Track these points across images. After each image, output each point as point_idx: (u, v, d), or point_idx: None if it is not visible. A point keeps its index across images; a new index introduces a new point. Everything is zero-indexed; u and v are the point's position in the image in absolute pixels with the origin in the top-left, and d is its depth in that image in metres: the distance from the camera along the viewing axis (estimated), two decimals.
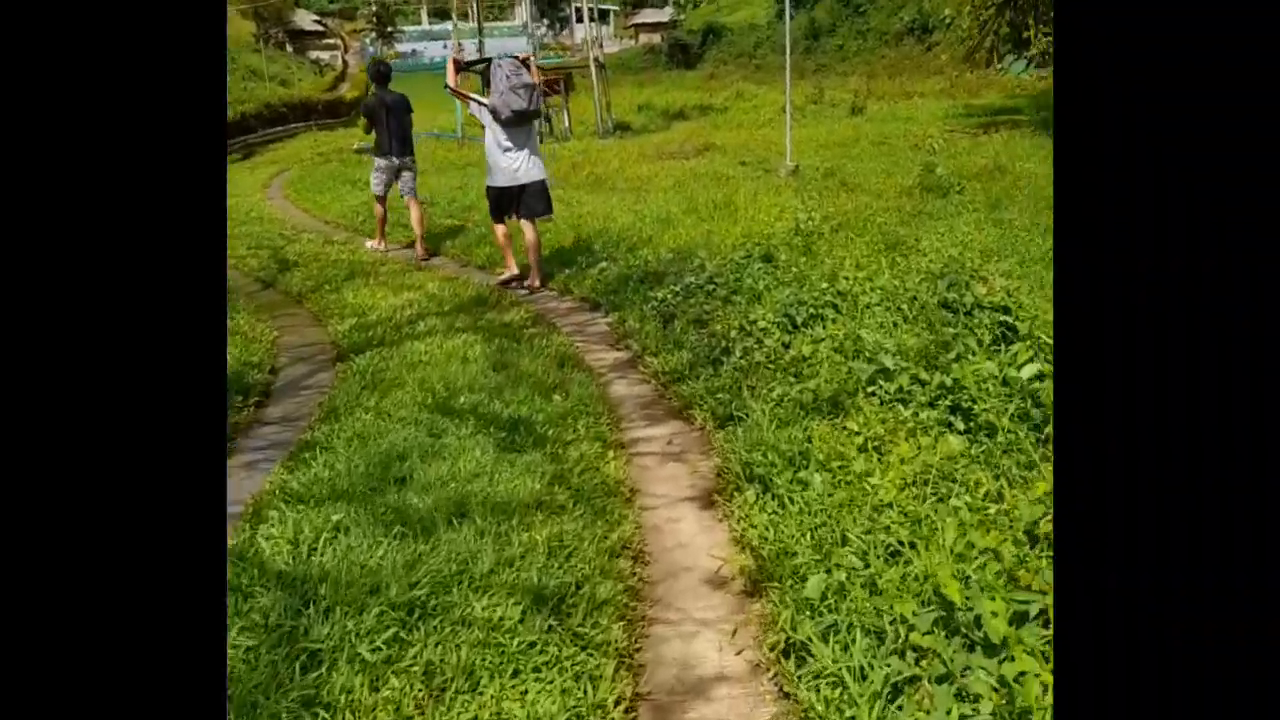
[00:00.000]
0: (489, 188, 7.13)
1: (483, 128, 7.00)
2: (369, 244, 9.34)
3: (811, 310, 4.87)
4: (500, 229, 7.26)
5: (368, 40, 75.06)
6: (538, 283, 7.12)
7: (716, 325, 5.19)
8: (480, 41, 25.75)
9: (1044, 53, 16.62)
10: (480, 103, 6.95)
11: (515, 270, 7.29)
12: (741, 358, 4.64)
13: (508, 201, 7.04)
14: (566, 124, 24.17)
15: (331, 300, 6.58)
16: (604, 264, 7.26)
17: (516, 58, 6.86)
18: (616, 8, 77.83)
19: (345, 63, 68.62)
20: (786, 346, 4.69)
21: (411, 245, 9.02)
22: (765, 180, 12.18)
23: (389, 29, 75.02)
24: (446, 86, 7.48)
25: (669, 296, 5.95)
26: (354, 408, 4.18)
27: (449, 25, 57.96)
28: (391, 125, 8.84)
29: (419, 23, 73.98)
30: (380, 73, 9.10)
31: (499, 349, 5.19)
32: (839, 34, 47.04)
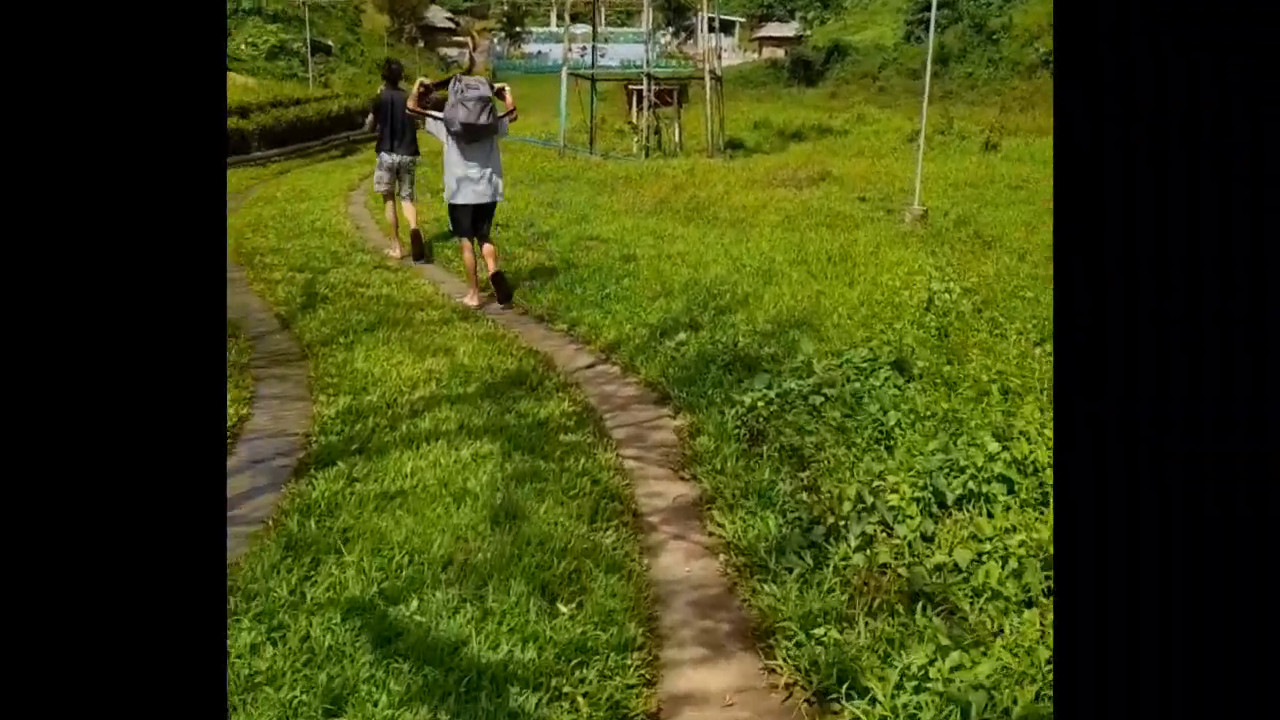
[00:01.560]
0: (455, 206, 6.86)
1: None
2: (388, 252, 9.03)
3: (970, 484, 3.17)
4: (469, 250, 7.03)
5: (495, 40, 75.32)
6: (494, 272, 7.02)
7: (823, 479, 3.54)
8: (593, 47, 24.46)
9: None
10: (435, 117, 6.86)
11: (478, 299, 7.07)
12: (858, 550, 3.00)
13: (480, 219, 6.92)
14: (677, 138, 22.64)
15: (336, 362, 5.17)
16: (683, 335, 5.69)
17: (492, 85, 6.82)
18: (742, 19, 75.94)
19: (472, 60, 68.80)
20: (929, 541, 3.03)
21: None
22: (887, 226, 10.38)
23: (517, 29, 75.14)
24: (407, 109, 7.65)
25: (760, 404, 4.34)
26: (243, 611, 2.67)
27: (574, 29, 57.27)
28: (394, 123, 8.87)
29: (548, 25, 73.68)
30: (390, 72, 9.31)
31: (516, 473, 3.67)
32: (969, 61, 44.14)
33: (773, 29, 73.31)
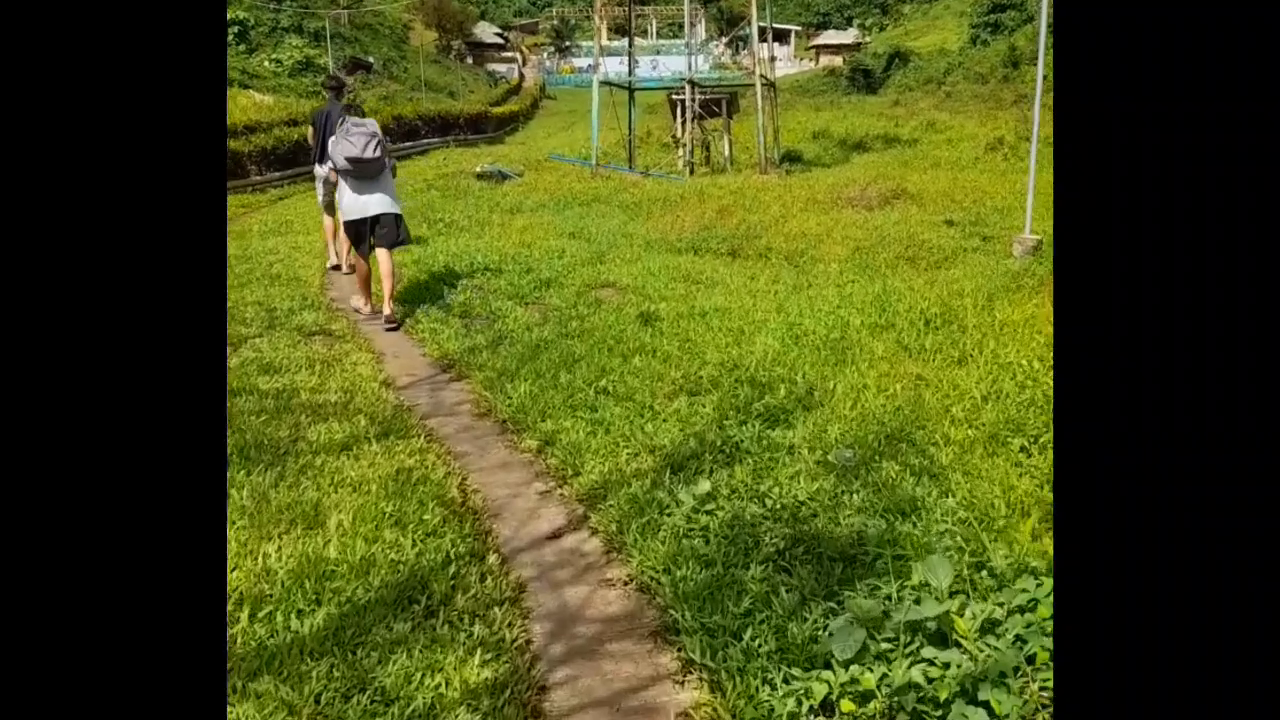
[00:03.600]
0: (345, 223, 6.97)
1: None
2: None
3: None
4: (363, 264, 7.07)
5: (545, 55, 73.95)
6: (389, 310, 6.72)
7: None
8: (629, 55, 22.31)
9: None
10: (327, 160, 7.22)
11: (369, 308, 7.07)
12: None
13: (366, 231, 6.89)
14: (727, 152, 20.33)
15: None
16: (707, 483, 3.43)
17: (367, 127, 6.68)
18: (798, 28, 73.30)
19: (521, 75, 67.47)
20: None
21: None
22: (991, 261, 7.97)
23: (566, 44, 73.71)
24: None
25: (848, 686, 2.10)
26: None
27: (623, 42, 55.44)
28: (327, 136, 8.18)
29: (600, 39, 72.08)
30: (333, 84, 9.05)
31: None
32: (1045, 63, 40.93)
33: (829, 36, 70.64)
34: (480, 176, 16.59)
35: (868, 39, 70.94)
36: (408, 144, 23.27)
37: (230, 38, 31.58)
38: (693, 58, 20.45)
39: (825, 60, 64.92)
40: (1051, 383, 4.18)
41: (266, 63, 32.89)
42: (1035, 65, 44.09)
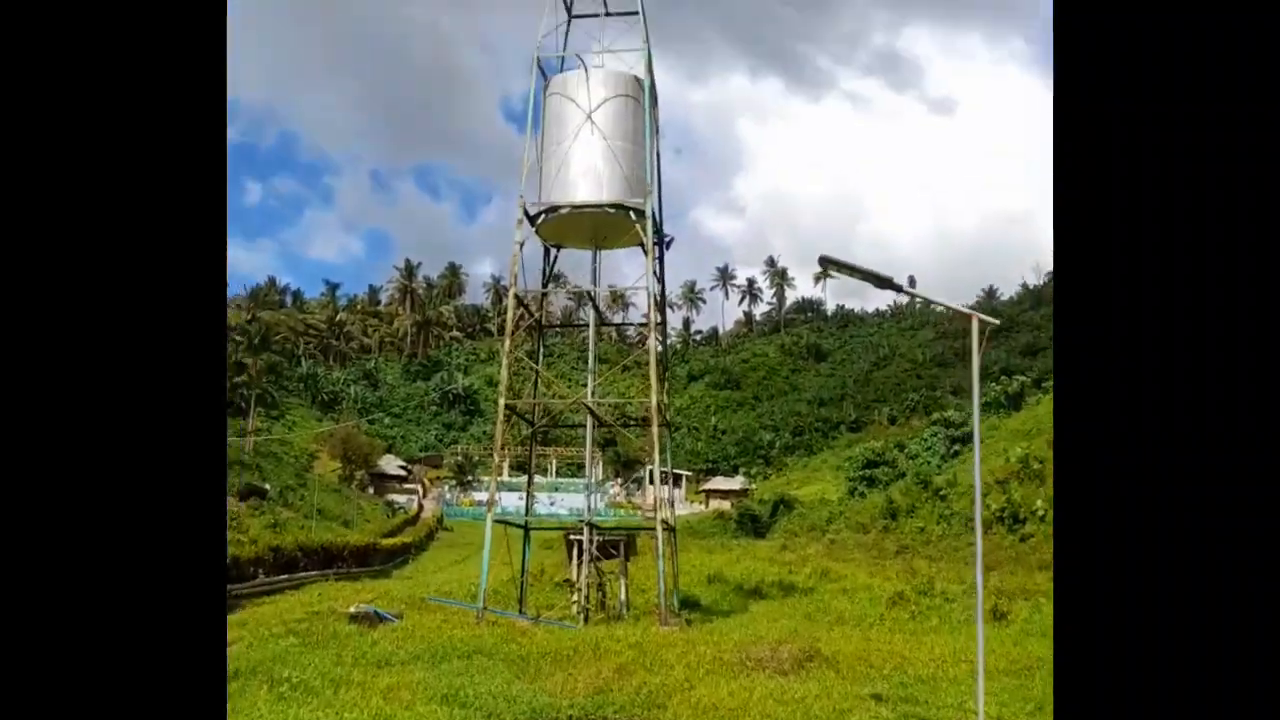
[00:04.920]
0: None
1: None
2: None
3: None
4: None
5: (447, 487, 74.74)
6: None
7: None
8: (528, 492, 21.96)
9: None
10: None
11: None
12: None
13: None
14: (623, 596, 19.16)
15: None
16: None
17: None
18: (689, 473, 77.00)
19: (421, 506, 67.24)
20: None
21: None
22: None
23: (469, 478, 75.03)
24: None
25: None
26: None
27: (523, 478, 56.62)
28: None
29: (500, 474, 73.78)
30: None
31: None
32: (919, 515, 42.89)
33: (719, 482, 74.18)
34: (353, 619, 14.78)
35: (753, 485, 74.62)
36: (283, 577, 21.39)
37: None
38: (591, 497, 20.11)
39: (715, 504, 67.30)
40: None
41: None
42: (911, 517, 45.42)
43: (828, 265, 7.37)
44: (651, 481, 69.67)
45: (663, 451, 17.30)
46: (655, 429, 16.21)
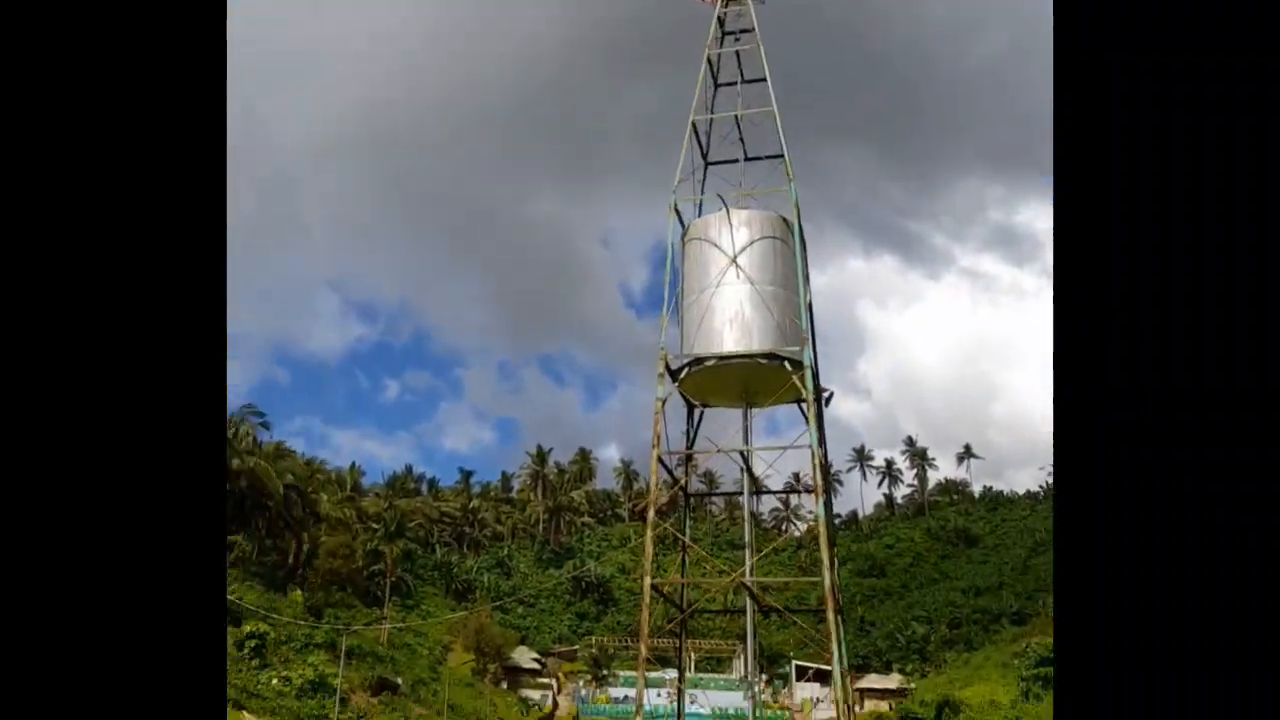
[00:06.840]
0: None
1: None
2: None
3: None
4: None
5: (581, 683, 70.23)
6: None
7: None
8: (679, 690, 18.84)
9: None
10: None
11: None
12: None
13: None
14: None
15: None
16: None
17: None
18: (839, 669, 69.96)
19: (555, 704, 63.02)
20: None
21: None
22: None
23: (604, 672, 70.39)
24: None
25: None
26: None
27: (664, 674, 52.10)
28: None
29: (635, 668, 69.11)
30: None
31: None
32: None
33: (873, 680, 66.63)
34: None
35: (912, 685, 66.76)
36: None
37: (245, 651, 28.92)
38: (753, 696, 16.89)
39: (870, 705, 60.17)
40: None
41: (275, 680, 29.39)
42: None
43: None
44: (799, 678, 63.25)
45: (839, 644, 14.24)
46: (831, 616, 13.28)
